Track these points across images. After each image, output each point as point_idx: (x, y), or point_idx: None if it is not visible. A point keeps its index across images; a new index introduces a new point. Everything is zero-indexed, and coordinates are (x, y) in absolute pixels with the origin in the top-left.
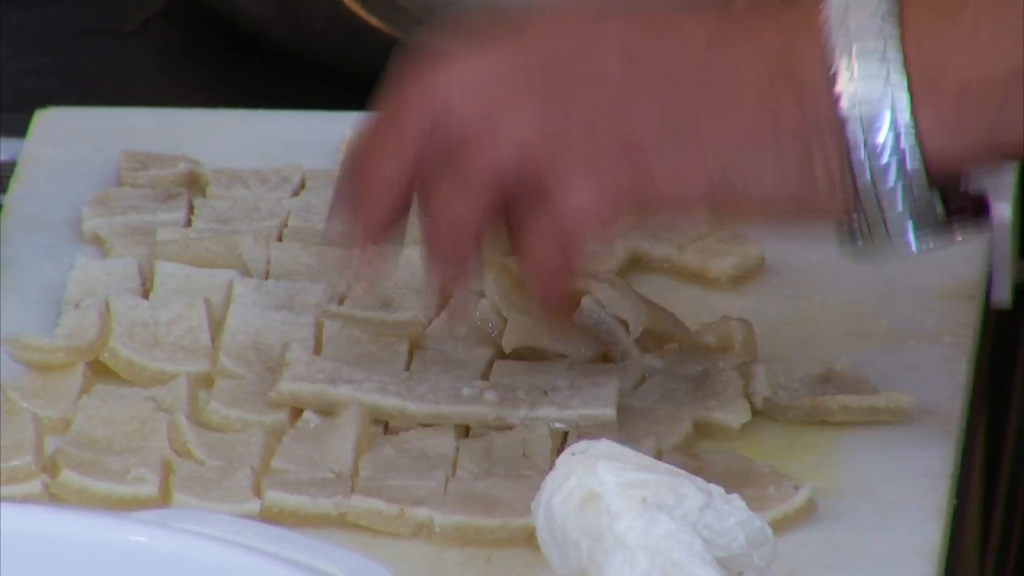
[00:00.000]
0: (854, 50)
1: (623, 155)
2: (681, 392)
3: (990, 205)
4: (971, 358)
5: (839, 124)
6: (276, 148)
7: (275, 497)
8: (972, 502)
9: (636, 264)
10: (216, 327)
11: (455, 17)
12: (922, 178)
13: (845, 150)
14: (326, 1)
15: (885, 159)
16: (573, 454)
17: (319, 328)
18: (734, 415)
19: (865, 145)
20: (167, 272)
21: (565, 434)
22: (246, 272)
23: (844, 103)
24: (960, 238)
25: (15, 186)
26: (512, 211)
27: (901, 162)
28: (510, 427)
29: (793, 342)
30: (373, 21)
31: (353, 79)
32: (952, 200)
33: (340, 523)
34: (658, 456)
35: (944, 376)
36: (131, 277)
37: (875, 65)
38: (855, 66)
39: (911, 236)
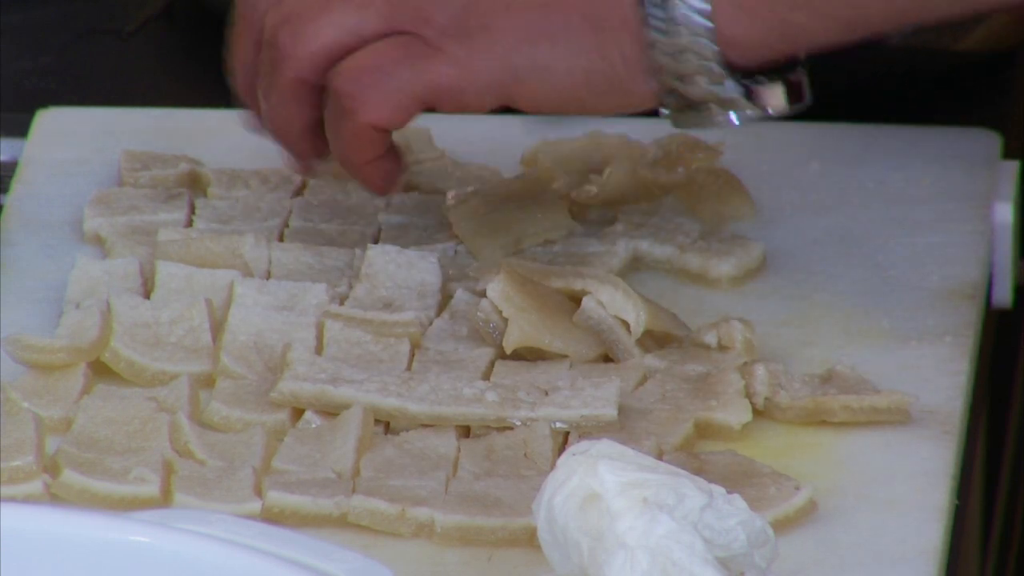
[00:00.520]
0: None
1: (412, 60)
2: (682, 392)
3: (801, 86)
4: (972, 358)
5: (632, 5)
6: (277, 148)
7: (276, 497)
8: (973, 502)
9: (637, 264)
10: (217, 327)
11: None
12: (720, 59)
13: (641, 32)
14: None
15: (682, 40)
16: (574, 454)
17: (320, 328)
18: (735, 415)
19: (661, 24)
20: (168, 272)
21: (566, 434)
22: (247, 272)
23: None
24: (771, 110)
25: (16, 186)
26: (325, 112)
27: (698, 44)
28: (511, 427)
29: (793, 342)
30: None
31: None
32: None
33: (341, 523)
34: (659, 456)
35: (944, 376)
36: (132, 277)
37: None
38: None
39: (725, 114)
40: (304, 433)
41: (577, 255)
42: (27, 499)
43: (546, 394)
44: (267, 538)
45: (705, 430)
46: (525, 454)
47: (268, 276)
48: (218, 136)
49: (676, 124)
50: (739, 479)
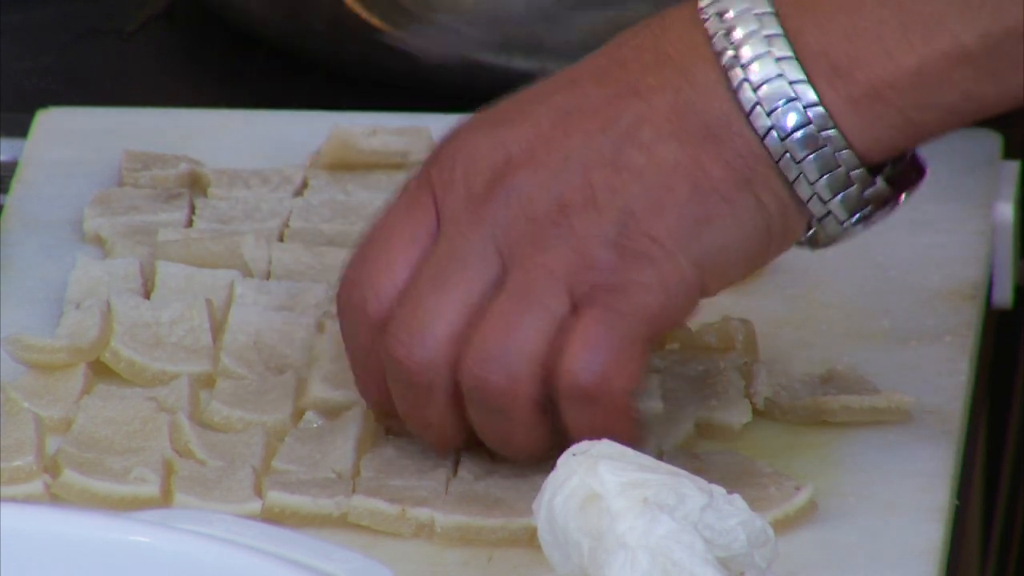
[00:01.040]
0: (751, 68)
1: (616, 316)
2: (682, 392)
3: (924, 164)
4: (972, 358)
5: (761, 148)
6: (277, 148)
7: (276, 497)
8: (973, 502)
9: None
10: (217, 327)
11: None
12: (853, 160)
13: (776, 168)
14: (328, 1)
15: (810, 159)
16: (574, 454)
17: (320, 328)
18: (735, 415)
19: (790, 153)
20: (168, 272)
21: None
22: (247, 272)
23: (757, 122)
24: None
25: (16, 186)
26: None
27: (825, 154)
28: None
29: (793, 342)
30: (374, 21)
31: (354, 79)
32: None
33: (341, 523)
34: (659, 456)
35: (945, 376)
36: (132, 277)
37: (771, 66)
38: (753, 72)
39: (855, 221)
40: (304, 433)
41: None
42: (27, 499)
43: None
44: (267, 538)
45: (705, 430)
46: None
47: (268, 276)
48: (218, 136)
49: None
50: (739, 479)
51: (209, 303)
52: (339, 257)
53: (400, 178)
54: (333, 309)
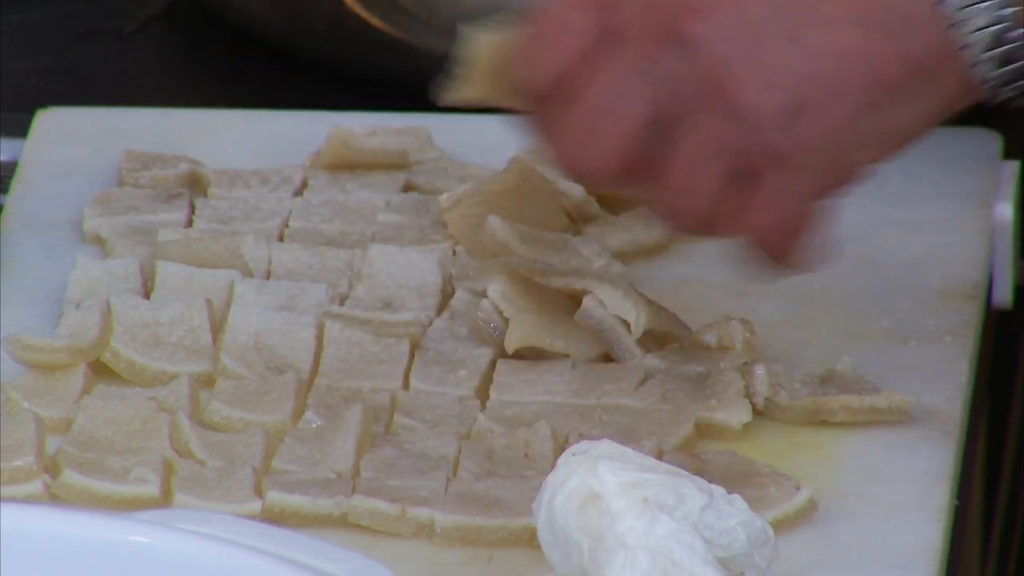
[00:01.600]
0: None
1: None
2: (682, 392)
3: None
4: (972, 358)
5: (946, 40)
6: (277, 148)
7: (276, 497)
8: (973, 502)
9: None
10: (217, 327)
11: None
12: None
13: (957, 60)
14: (327, 1)
15: (993, 53)
16: (574, 454)
17: (320, 329)
18: (735, 415)
19: (974, 47)
20: (168, 272)
21: (567, 435)
22: (247, 272)
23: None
24: None
25: (16, 186)
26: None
27: (1007, 50)
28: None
29: (793, 342)
30: (374, 21)
31: (354, 79)
32: None
33: (341, 523)
34: (659, 456)
35: (945, 376)
36: (132, 277)
37: None
38: None
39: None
40: (304, 433)
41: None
42: (27, 499)
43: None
44: (267, 538)
45: (705, 430)
46: (525, 454)
47: (268, 276)
48: (218, 136)
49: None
50: (739, 479)
51: (209, 303)
52: (339, 257)
53: (400, 178)
54: (332, 309)
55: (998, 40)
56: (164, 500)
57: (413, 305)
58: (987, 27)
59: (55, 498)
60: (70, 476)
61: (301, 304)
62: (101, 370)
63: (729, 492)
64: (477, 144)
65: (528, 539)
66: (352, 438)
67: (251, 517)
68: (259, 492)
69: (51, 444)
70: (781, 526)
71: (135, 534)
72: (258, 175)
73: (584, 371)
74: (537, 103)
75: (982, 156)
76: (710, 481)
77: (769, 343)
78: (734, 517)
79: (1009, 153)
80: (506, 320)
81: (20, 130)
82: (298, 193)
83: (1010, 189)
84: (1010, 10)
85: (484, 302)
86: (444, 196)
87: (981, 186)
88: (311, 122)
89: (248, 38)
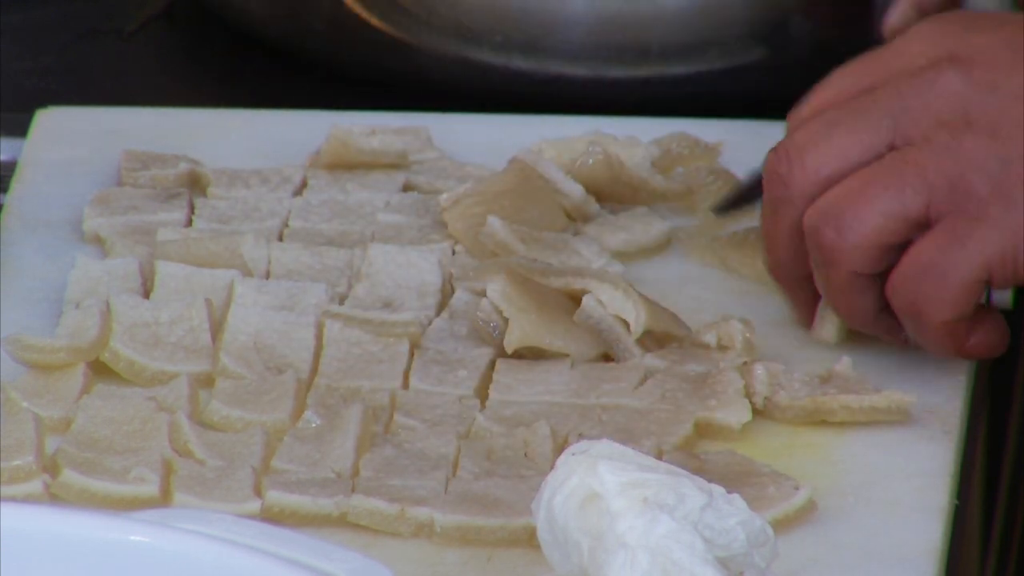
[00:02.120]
0: None
1: (961, 242)
2: (682, 392)
3: None
4: None
5: None
6: (277, 148)
7: (276, 497)
8: (973, 502)
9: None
10: (217, 327)
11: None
12: None
13: None
14: (327, 1)
15: None
16: (574, 454)
17: (320, 328)
18: (735, 415)
19: None
20: (168, 272)
21: (566, 435)
22: (247, 272)
23: None
24: None
25: (15, 186)
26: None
27: None
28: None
29: (793, 342)
30: (374, 21)
31: (354, 79)
32: None
33: (341, 523)
34: (659, 456)
35: (944, 376)
36: (132, 277)
37: None
38: None
39: None
40: (304, 433)
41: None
42: (27, 499)
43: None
44: (267, 538)
45: (705, 430)
46: (525, 454)
47: (268, 276)
48: (218, 136)
49: None
50: (739, 479)
51: (208, 303)
52: (338, 257)
53: (400, 178)
54: (332, 308)
55: None
56: (164, 500)
57: (413, 305)
58: None
59: (55, 498)
60: (69, 476)
61: (301, 304)
62: (101, 370)
63: (729, 492)
64: (477, 144)
65: (528, 539)
66: (351, 438)
67: (251, 517)
68: (259, 492)
69: (51, 444)
70: (780, 526)
71: (135, 534)
72: (258, 175)
73: (583, 371)
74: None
75: None
76: (710, 481)
77: (769, 343)
78: (734, 517)
79: None
80: (506, 320)
81: (20, 130)
82: (298, 193)
83: None
84: None
85: (484, 302)
86: (444, 196)
87: None
88: (311, 122)
89: (248, 38)
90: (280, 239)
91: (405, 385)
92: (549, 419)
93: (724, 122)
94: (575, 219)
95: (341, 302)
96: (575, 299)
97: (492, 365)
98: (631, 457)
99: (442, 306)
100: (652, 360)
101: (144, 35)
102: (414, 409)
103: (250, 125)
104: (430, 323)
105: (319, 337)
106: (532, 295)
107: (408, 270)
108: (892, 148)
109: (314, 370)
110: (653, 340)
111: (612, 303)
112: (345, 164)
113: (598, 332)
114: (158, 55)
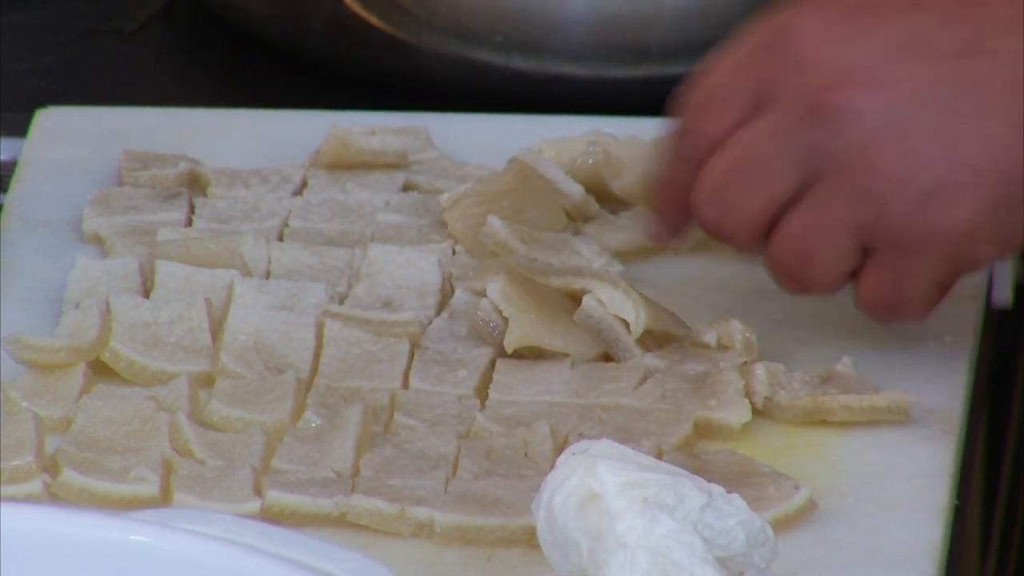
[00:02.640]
0: None
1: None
2: (682, 392)
3: None
4: (971, 358)
5: None
6: (277, 148)
7: (276, 497)
8: (973, 502)
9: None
10: (217, 327)
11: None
12: None
13: None
14: (327, 1)
15: None
16: (574, 454)
17: (320, 328)
18: (735, 415)
19: None
20: (168, 272)
21: (566, 435)
22: (247, 272)
23: None
24: None
25: (15, 186)
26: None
27: None
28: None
29: (793, 342)
30: (374, 21)
31: (354, 79)
32: None
33: (341, 523)
34: (659, 456)
35: (944, 376)
36: (132, 277)
37: None
38: None
39: None
40: (304, 433)
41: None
42: (27, 499)
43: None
44: (267, 538)
45: (705, 430)
46: (525, 454)
47: (268, 276)
48: (218, 136)
49: None
50: (738, 479)
51: (208, 303)
52: (338, 257)
53: (400, 178)
54: (332, 308)
55: None
56: (163, 499)
57: (413, 305)
58: None
59: (54, 497)
60: (69, 475)
61: (300, 304)
62: (101, 370)
63: (728, 492)
64: (477, 144)
65: (527, 539)
66: (351, 437)
67: (250, 516)
68: (258, 491)
69: (50, 443)
70: (780, 526)
71: (135, 534)
72: (258, 175)
73: (583, 371)
74: (693, 169)
75: None
76: (709, 481)
77: (769, 343)
78: (733, 517)
79: None
80: (505, 320)
81: (20, 130)
82: (298, 193)
83: None
84: None
85: (484, 302)
86: (444, 196)
87: None
88: (311, 122)
89: (248, 38)
90: (280, 239)
91: (405, 385)
92: (549, 419)
93: None
94: (575, 219)
95: (341, 302)
96: (575, 299)
97: (492, 365)
98: (631, 457)
99: (442, 306)
100: (652, 360)
101: (144, 35)
102: (414, 409)
103: (250, 125)
104: (430, 323)
105: (319, 337)
106: (532, 295)
107: (408, 270)
108: (806, 187)
109: (314, 370)
110: (653, 340)
111: (612, 303)
112: (345, 164)
113: (598, 332)
114: (158, 55)
